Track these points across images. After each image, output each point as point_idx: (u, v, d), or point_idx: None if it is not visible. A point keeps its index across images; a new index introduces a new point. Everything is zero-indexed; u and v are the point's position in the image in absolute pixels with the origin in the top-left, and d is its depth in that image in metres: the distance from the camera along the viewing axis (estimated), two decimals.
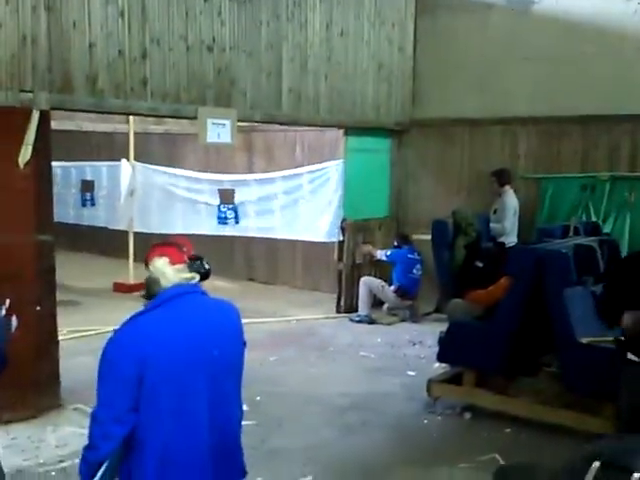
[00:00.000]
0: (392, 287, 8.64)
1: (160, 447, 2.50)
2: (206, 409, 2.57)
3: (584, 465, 1.24)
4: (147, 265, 2.72)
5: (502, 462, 4.76)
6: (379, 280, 8.80)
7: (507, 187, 8.12)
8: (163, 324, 2.56)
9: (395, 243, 8.84)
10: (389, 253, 8.73)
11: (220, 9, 6.79)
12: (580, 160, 8.14)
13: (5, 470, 4.45)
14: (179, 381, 2.52)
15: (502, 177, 8.12)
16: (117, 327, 2.59)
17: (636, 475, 1.20)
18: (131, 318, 2.61)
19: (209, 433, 2.58)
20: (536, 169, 8.43)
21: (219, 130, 6.88)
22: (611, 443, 1.33)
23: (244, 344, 2.83)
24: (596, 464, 1.23)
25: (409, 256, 8.61)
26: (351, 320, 8.65)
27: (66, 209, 11.26)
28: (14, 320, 5.36)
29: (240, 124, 8.27)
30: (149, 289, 2.70)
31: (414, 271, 8.61)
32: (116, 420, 2.47)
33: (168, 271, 2.67)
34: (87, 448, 2.54)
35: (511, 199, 8.08)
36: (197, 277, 2.73)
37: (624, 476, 1.20)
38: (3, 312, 5.24)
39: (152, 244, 2.82)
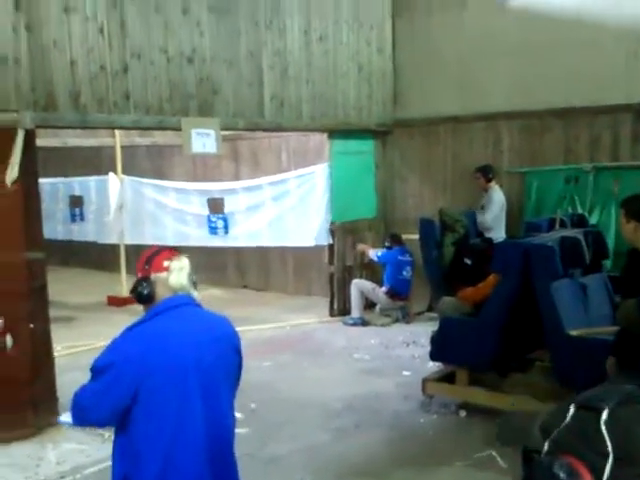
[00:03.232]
0: (383, 288, 8.68)
1: (161, 459, 2.54)
2: (202, 421, 2.60)
3: (565, 410, 1.61)
4: (147, 268, 2.72)
5: (499, 459, 4.80)
6: (370, 282, 8.84)
7: (493, 183, 8.20)
8: (160, 334, 2.59)
9: (386, 244, 8.88)
10: (379, 254, 8.78)
11: (199, 20, 6.84)
12: (563, 152, 8.21)
13: None
14: (176, 392, 2.55)
15: (487, 173, 8.20)
16: (114, 337, 2.62)
17: (604, 413, 1.53)
18: (128, 328, 2.64)
19: (206, 444, 2.61)
20: (520, 163, 8.49)
21: (204, 140, 6.92)
22: (588, 392, 1.70)
23: (239, 354, 2.84)
24: (573, 407, 1.60)
25: (399, 257, 8.64)
26: (344, 323, 8.70)
27: (56, 225, 11.29)
28: (8, 339, 5.42)
29: (225, 132, 8.32)
30: (146, 295, 2.69)
31: (404, 273, 8.64)
32: (96, 420, 2.63)
33: (172, 279, 2.70)
34: (76, 399, 2.62)
35: (497, 194, 8.17)
36: (194, 289, 2.76)
37: (594, 414, 1.54)
38: None
39: (153, 247, 2.85)
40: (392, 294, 8.65)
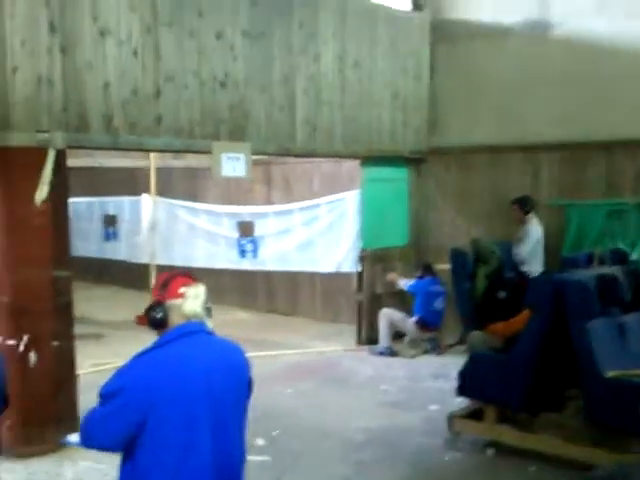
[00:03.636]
0: (413, 319, 8.52)
1: None
2: (210, 451, 2.53)
3: None
4: (162, 293, 2.66)
5: None
6: (399, 312, 8.69)
7: (530, 215, 7.97)
8: (171, 362, 2.54)
9: (418, 274, 8.72)
10: (410, 284, 8.63)
11: (233, 45, 6.83)
12: (605, 186, 7.96)
13: None
14: (184, 420, 2.49)
15: (525, 205, 7.92)
16: (124, 362, 2.58)
17: None
18: (139, 354, 2.59)
19: (213, 473, 2.54)
20: (560, 196, 8.26)
21: (234, 164, 6.89)
22: (614, 467, 1.44)
23: (250, 385, 2.78)
24: None
25: (430, 288, 8.47)
26: (372, 352, 8.55)
27: (90, 243, 11.43)
28: (32, 356, 5.44)
29: (258, 157, 8.31)
30: (159, 320, 2.63)
31: (435, 304, 8.45)
32: (100, 445, 2.58)
33: (186, 306, 2.64)
34: (84, 423, 2.60)
35: (534, 227, 7.90)
36: (207, 317, 2.70)
37: None
38: (22, 348, 5.34)
39: (169, 272, 2.79)
40: (422, 325, 8.48)
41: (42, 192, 5.33)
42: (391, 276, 8.90)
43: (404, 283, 8.67)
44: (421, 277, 8.60)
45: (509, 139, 8.53)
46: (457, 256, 6.82)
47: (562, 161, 8.28)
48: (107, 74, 5.82)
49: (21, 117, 5.26)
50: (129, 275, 12.03)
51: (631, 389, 4.56)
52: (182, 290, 2.65)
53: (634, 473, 1.37)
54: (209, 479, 2.53)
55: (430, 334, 8.57)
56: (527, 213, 7.92)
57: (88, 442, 2.59)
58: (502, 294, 6.36)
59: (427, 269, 8.62)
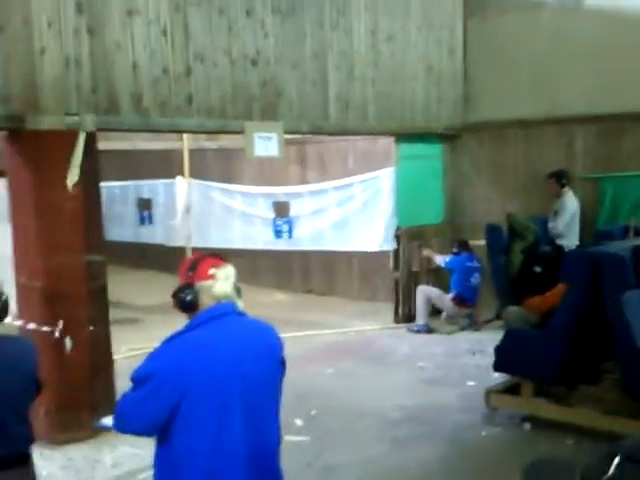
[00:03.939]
0: (450, 295, 8.44)
1: (200, 473, 2.45)
2: (244, 433, 2.50)
3: (608, 460, 1.34)
4: (191, 275, 2.61)
5: None
6: (436, 289, 8.62)
7: (567, 188, 7.86)
8: (202, 345, 2.51)
9: (454, 250, 8.63)
10: (447, 260, 8.55)
11: (263, 22, 6.78)
12: None
13: None
14: (217, 405, 2.46)
15: (561, 178, 7.85)
16: (156, 346, 2.55)
17: None
18: (169, 338, 2.56)
19: (248, 459, 2.50)
20: (594, 169, 8.13)
21: (266, 143, 6.86)
22: (635, 439, 1.43)
23: (284, 365, 2.73)
24: (617, 458, 1.33)
25: (467, 264, 8.39)
26: (409, 330, 8.50)
27: (125, 228, 11.51)
28: (68, 341, 5.48)
29: (292, 136, 8.27)
30: (189, 302, 2.59)
31: (472, 279, 8.38)
32: (133, 429, 2.58)
33: (217, 287, 2.59)
34: (118, 407, 2.59)
35: (571, 200, 7.82)
36: (238, 297, 2.66)
37: None
38: (57, 334, 5.38)
39: (199, 253, 2.76)
40: (459, 301, 8.41)
41: (73, 176, 5.30)
42: (427, 252, 8.84)
43: (441, 259, 8.60)
44: (457, 253, 8.52)
45: (542, 113, 8.38)
46: (492, 231, 6.74)
47: (596, 133, 8.14)
48: (136, 54, 5.81)
49: (50, 100, 5.26)
50: (165, 259, 12.09)
51: None
52: (212, 271, 2.60)
53: (571, 475, 1.34)
54: (243, 461, 2.49)
55: (467, 310, 8.49)
56: (563, 186, 7.83)
57: (122, 427, 2.58)
58: (538, 269, 6.26)
59: (463, 245, 8.54)
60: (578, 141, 8.26)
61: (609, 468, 1.31)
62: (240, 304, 2.67)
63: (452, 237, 9.13)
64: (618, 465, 1.31)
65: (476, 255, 8.42)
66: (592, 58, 7.96)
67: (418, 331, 8.41)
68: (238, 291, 2.67)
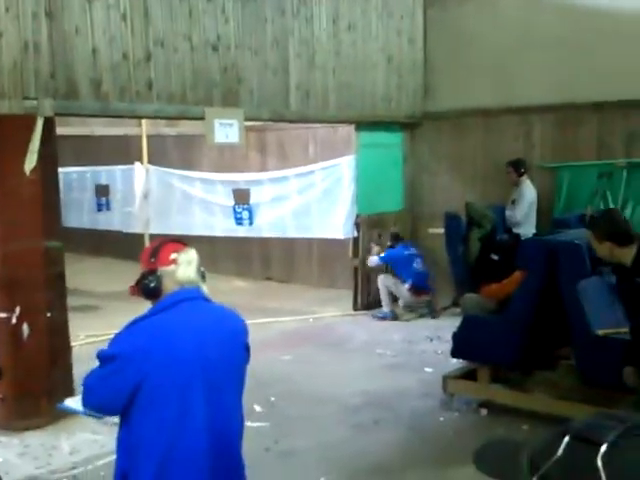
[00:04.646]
0: (406, 285, 8.53)
1: (160, 454, 2.46)
2: (205, 418, 2.51)
3: (557, 440, 1.31)
4: (153, 261, 2.61)
5: None
6: (393, 277, 8.70)
7: (524, 177, 8.00)
8: (165, 329, 2.52)
9: (388, 244, 8.69)
10: (383, 255, 8.59)
11: (224, 7, 6.74)
12: (596, 147, 7.97)
13: (18, 478, 4.49)
14: (178, 388, 2.47)
15: (519, 167, 7.99)
16: (118, 330, 2.56)
17: (603, 447, 1.25)
18: (134, 321, 2.57)
19: (209, 442, 2.52)
20: (552, 158, 8.27)
21: (227, 130, 6.83)
22: (584, 420, 1.38)
23: (248, 351, 2.74)
24: (566, 438, 1.30)
25: (405, 253, 8.48)
26: (374, 317, 8.57)
27: (82, 214, 11.37)
28: (25, 328, 5.41)
29: (252, 123, 8.24)
30: (152, 288, 2.59)
31: (415, 265, 8.46)
32: (95, 404, 2.58)
33: (179, 272, 2.59)
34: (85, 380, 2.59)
35: (529, 189, 7.96)
36: (203, 282, 2.67)
37: (592, 448, 1.27)
38: (14, 320, 5.31)
39: (160, 239, 2.75)
40: (415, 289, 8.50)
41: (31, 161, 5.23)
42: (373, 256, 8.80)
43: (375, 259, 8.63)
44: (392, 246, 8.59)
45: (502, 102, 8.48)
46: (451, 220, 6.82)
47: (554, 123, 8.27)
48: (95, 39, 5.74)
49: (8, 84, 5.17)
50: (123, 246, 11.97)
51: (620, 346, 4.57)
52: (174, 256, 2.61)
53: (608, 423, 1.33)
54: (205, 445, 2.51)
55: (425, 298, 8.58)
56: (521, 175, 7.98)
57: (87, 400, 2.58)
58: (495, 256, 6.36)
59: (396, 238, 8.63)
60: (536, 130, 8.39)
61: (558, 449, 1.29)
62: (205, 288, 2.68)
63: (412, 225, 9.23)
64: (567, 445, 1.28)
65: (411, 244, 8.60)
66: (551, 49, 8.07)
67: (383, 318, 8.48)
68: (203, 275, 2.68)
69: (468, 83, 8.79)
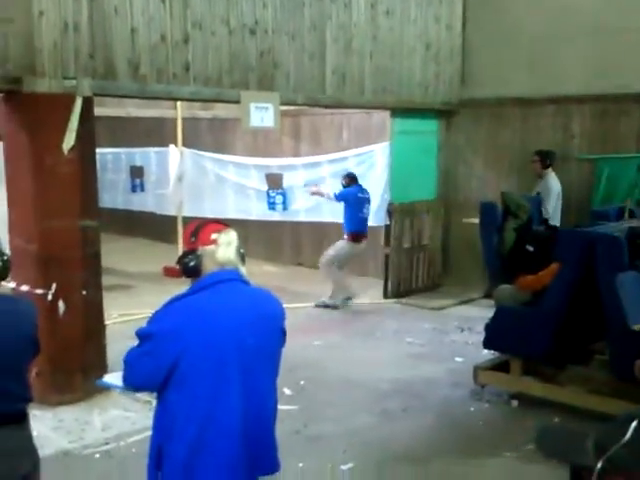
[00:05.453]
0: (344, 238, 8.42)
1: (195, 431, 2.49)
2: (239, 399, 2.53)
3: (625, 424, 1.36)
4: (194, 240, 2.64)
5: None
6: (330, 248, 8.59)
7: (550, 169, 7.88)
8: (202, 309, 2.53)
9: (343, 183, 8.51)
10: (337, 193, 8.48)
11: None
12: (637, 140, 7.81)
13: (51, 452, 4.56)
14: (213, 368, 2.49)
15: (547, 158, 7.87)
16: (158, 308, 2.58)
17: None
18: (172, 300, 2.58)
19: (243, 422, 2.54)
20: (591, 150, 8.13)
21: (262, 114, 6.82)
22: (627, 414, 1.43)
23: (284, 334, 2.76)
24: (634, 423, 1.35)
25: (358, 195, 8.34)
26: (317, 305, 8.53)
27: (117, 195, 11.46)
28: (61, 305, 5.49)
29: (287, 108, 8.21)
30: (192, 267, 2.62)
31: (364, 210, 8.35)
32: (133, 381, 2.61)
33: (219, 253, 2.61)
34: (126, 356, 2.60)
35: (555, 182, 7.84)
36: (242, 264, 2.67)
37: None
38: (50, 297, 5.39)
39: (199, 220, 2.76)
40: (354, 236, 8.36)
41: (69, 140, 5.28)
42: (315, 188, 8.81)
43: (330, 193, 8.55)
44: (347, 186, 8.45)
45: (541, 91, 8.35)
46: (487, 209, 6.73)
47: (594, 114, 8.12)
48: (134, 20, 5.75)
49: (48, 63, 5.21)
50: (156, 227, 12.10)
51: None
52: (214, 236, 2.62)
53: (583, 439, 1.36)
54: (238, 425, 2.53)
55: (364, 241, 8.46)
56: (546, 167, 7.86)
57: (127, 378, 2.60)
58: (530, 248, 6.28)
59: (352, 178, 8.47)
60: (575, 121, 8.25)
61: (626, 433, 1.32)
62: (243, 270, 2.68)
63: (445, 214, 9.16)
64: (635, 430, 1.32)
65: (366, 188, 8.47)
66: (593, 37, 7.92)
67: (326, 306, 8.42)
68: (242, 257, 2.69)
69: (506, 71, 8.66)
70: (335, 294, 8.51)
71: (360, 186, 8.44)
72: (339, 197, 8.44)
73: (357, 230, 8.38)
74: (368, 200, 8.42)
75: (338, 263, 8.51)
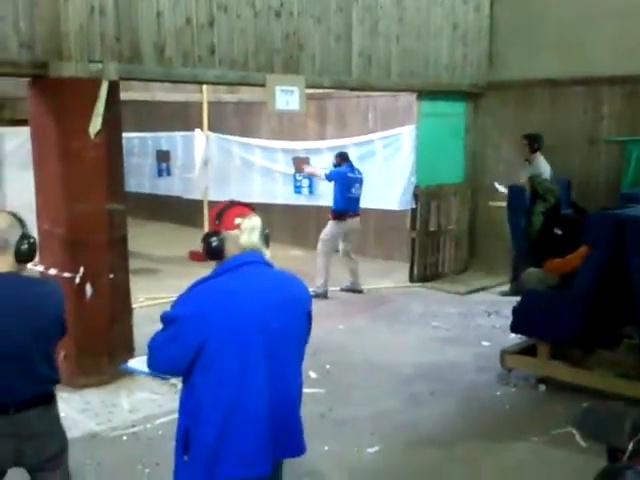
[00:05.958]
0: (329, 224, 8.36)
1: (221, 415, 2.49)
2: (265, 381, 2.53)
3: None
4: (218, 223, 2.63)
5: (578, 437, 4.58)
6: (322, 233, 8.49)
7: (538, 153, 7.81)
8: (226, 292, 2.52)
9: (334, 162, 8.42)
10: (327, 172, 8.40)
11: None
12: None
13: (79, 434, 4.61)
14: (238, 351, 2.48)
15: (535, 142, 7.84)
16: (183, 291, 2.58)
17: None
18: (196, 283, 2.58)
19: (268, 405, 2.54)
20: (620, 131, 8.01)
21: (287, 97, 6.79)
22: None
23: (310, 318, 2.74)
24: None
25: (349, 174, 8.21)
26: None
27: (143, 179, 11.52)
28: (88, 288, 5.53)
29: (313, 91, 8.17)
30: (215, 248, 2.60)
31: (353, 190, 8.21)
32: (157, 365, 2.60)
33: (243, 238, 2.60)
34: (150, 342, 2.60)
35: (545, 166, 7.78)
36: (266, 247, 2.66)
37: None
38: (77, 280, 5.43)
39: (225, 202, 2.73)
40: (337, 215, 8.25)
41: (96, 124, 5.28)
42: (308, 168, 8.77)
43: (322, 172, 8.47)
44: (338, 165, 8.34)
45: (569, 73, 8.23)
46: (515, 192, 6.68)
47: (624, 96, 7.99)
48: (160, 3, 5.73)
49: (74, 47, 5.21)
50: (182, 211, 12.14)
51: None
52: (237, 221, 2.61)
53: (624, 421, 1.32)
54: (264, 409, 2.53)
55: (356, 218, 8.37)
56: (535, 151, 7.84)
57: (150, 362, 2.60)
58: (558, 231, 6.21)
59: (344, 157, 8.38)
60: (605, 103, 8.12)
61: None
62: (267, 252, 2.67)
63: (472, 197, 9.07)
64: None
65: (357, 168, 8.36)
66: (621, 17, 7.77)
67: (317, 295, 8.17)
68: (267, 239, 2.67)
69: (534, 53, 8.53)
70: (355, 278, 8.46)
71: (351, 166, 8.33)
72: (329, 177, 8.37)
73: (340, 209, 8.24)
74: (359, 180, 8.27)
75: (330, 244, 8.39)
